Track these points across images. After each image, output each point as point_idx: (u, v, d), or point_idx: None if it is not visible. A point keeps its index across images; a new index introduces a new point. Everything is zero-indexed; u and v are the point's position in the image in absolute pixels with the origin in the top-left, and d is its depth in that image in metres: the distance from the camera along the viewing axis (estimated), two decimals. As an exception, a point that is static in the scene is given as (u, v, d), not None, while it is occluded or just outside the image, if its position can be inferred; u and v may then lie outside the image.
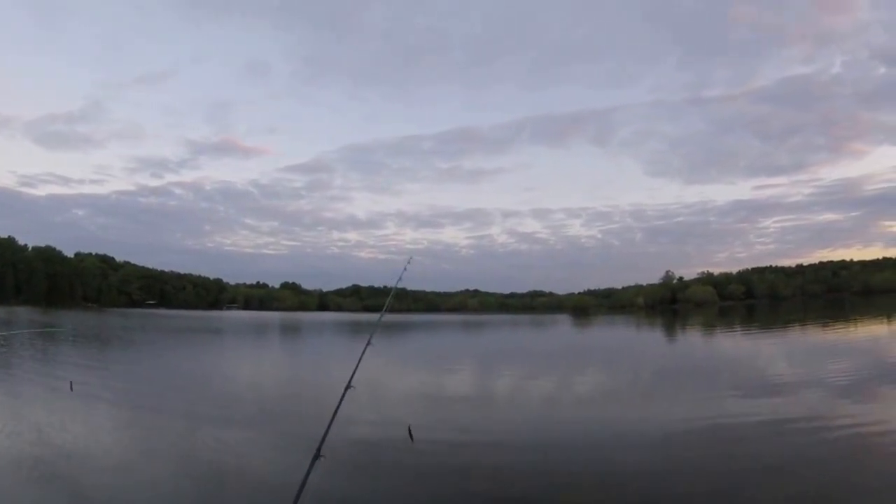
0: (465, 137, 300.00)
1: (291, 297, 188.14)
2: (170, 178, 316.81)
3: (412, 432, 4.50)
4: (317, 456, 3.81)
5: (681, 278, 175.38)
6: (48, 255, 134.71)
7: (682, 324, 62.14)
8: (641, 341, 41.58)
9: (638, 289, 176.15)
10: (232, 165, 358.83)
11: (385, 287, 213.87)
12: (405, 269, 8.60)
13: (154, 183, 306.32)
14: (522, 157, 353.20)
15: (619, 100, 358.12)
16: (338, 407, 4.42)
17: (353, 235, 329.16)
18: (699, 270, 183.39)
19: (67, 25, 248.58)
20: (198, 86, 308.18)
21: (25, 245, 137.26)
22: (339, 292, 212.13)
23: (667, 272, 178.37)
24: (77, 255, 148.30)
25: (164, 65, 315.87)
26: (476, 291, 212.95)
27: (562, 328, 64.29)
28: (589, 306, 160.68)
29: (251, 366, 25.38)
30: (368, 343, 5.78)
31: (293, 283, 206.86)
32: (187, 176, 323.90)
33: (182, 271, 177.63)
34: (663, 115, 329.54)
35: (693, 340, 38.82)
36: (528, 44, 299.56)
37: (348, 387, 4.80)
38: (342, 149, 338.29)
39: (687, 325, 57.82)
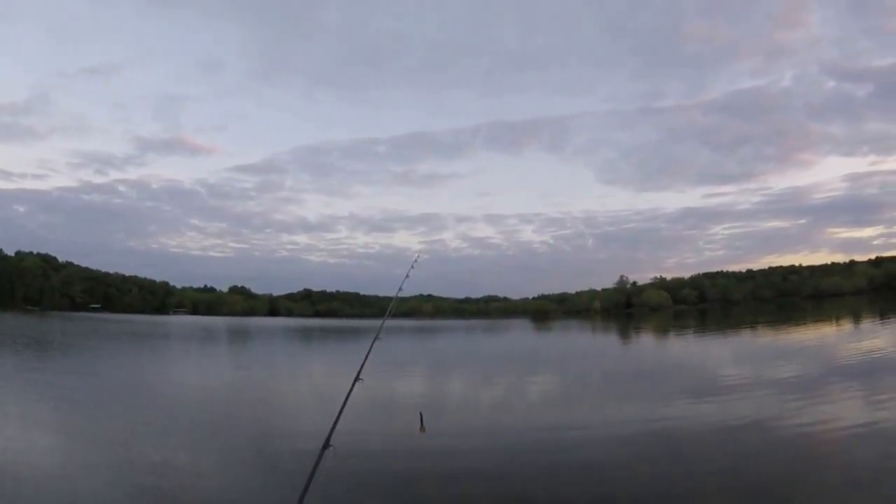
0: (420, 142, 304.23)
1: (241, 302, 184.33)
2: (115, 174, 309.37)
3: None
4: (326, 446, 3.75)
5: (634, 283, 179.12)
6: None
7: (639, 328, 63.19)
8: (603, 345, 41.79)
9: (594, 293, 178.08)
10: (180, 163, 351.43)
11: (338, 291, 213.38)
12: (412, 266, 8.35)
13: (98, 180, 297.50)
14: (477, 163, 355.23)
15: (573, 108, 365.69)
16: (347, 398, 4.38)
17: (303, 238, 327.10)
18: (650, 276, 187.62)
19: (14, 13, 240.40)
20: (148, 80, 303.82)
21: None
22: (290, 297, 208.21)
23: (621, 277, 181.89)
24: (18, 253, 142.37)
25: (114, 57, 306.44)
26: (430, 296, 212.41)
27: (526, 333, 64.63)
28: (549, 311, 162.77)
29: (208, 376, 24.27)
30: (376, 338, 5.96)
31: (242, 287, 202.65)
32: (133, 173, 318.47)
33: (126, 273, 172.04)
34: (617, 124, 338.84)
35: (649, 344, 39.51)
36: (485, 50, 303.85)
37: (357, 379, 4.84)
38: (294, 150, 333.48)
39: (643, 329, 58.72)
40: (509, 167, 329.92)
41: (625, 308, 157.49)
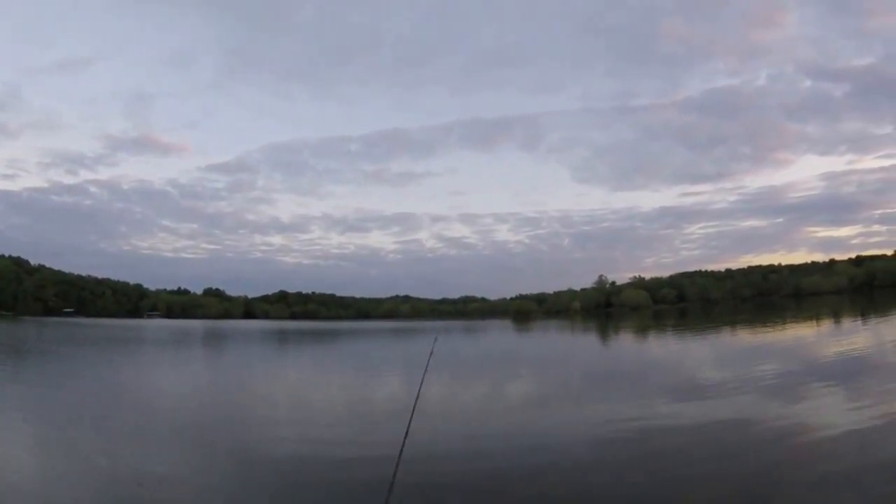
0: (393, 139, 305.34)
1: (216, 305, 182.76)
2: (85, 175, 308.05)
3: None
4: (402, 448, 3.40)
5: (613, 283, 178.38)
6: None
7: (619, 328, 62.09)
8: (584, 345, 41.09)
9: (573, 293, 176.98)
10: (150, 163, 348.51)
11: (314, 293, 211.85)
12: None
13: (69, 180, 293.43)
14: (451, 161, 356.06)
15: (547, 106, 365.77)
16: (408, 429, 4.18)
17: (276, 239, 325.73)
18: (628, 275, 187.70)
19: None
20: (118, 76, 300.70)
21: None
22: (265, 299, 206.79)
23: (600, 276, 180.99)
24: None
25: (85, 52, 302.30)
26: (407, 297, 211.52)
27: (510, 334, 63.48)
28: (529, 311, 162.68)
29: (188, 382, 23.10)
30: (433, 350, 6.39)
31: (217, 290, 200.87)
32: (104, 173, 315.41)
33: (98, 275, 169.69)
34: (591, 123, 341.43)
35: (629, 344, 39.05)
36: (458, 47, 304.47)
37: (421, 386, 5.11)
38: (265, 148, 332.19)
39: (623, 329, 57.71)
40: (483, 165, 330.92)
41: (604, 308, 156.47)
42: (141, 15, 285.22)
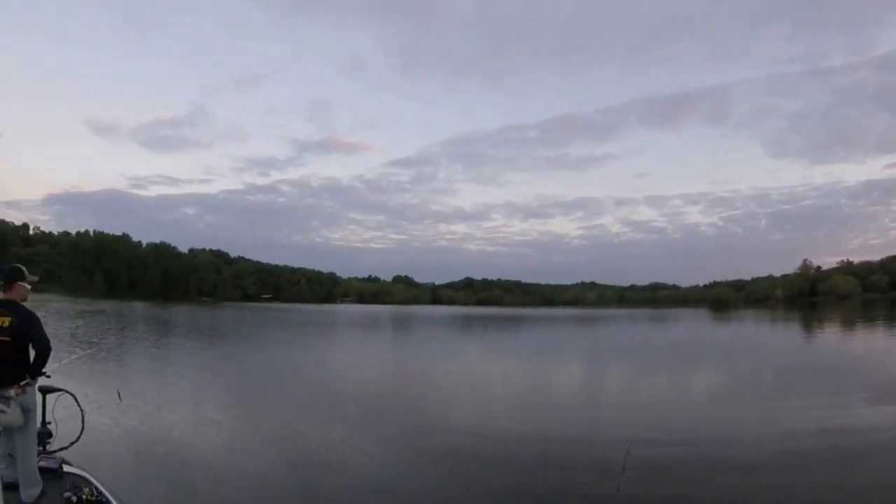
0: (569, 124, 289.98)
1: (404, 291, 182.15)
2: (276, 176, 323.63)
3: None
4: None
5: (819, 268, 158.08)
6: (162, 251, 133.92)
7: (825, 319, 56.10)
8: (797, 340, 35.28)
9: (774, 280, 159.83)
10: (337, 162, 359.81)
11: (499, 279, 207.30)
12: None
13: (261, 181, 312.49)
14: (632, 142, 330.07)
15: (730, 76, 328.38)
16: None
17: (460, 228, 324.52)
18: (832, 259, 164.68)
19: (164, 34, 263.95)
20: (298, 85, 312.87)
21: (139, 242, 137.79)
22: (451, 286, 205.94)
23: (804, 261, 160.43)
24: (191, 250, 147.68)
25: (263, 67, 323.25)
26: (593, 284, 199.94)
27: (707, 324, 57.21)
28: (727, 299, 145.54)
29: (375, 363, 23.25)
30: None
31: (405, 277, 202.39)
32: (293, 173, 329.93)
33: (293, 265, 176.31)
34: (781, 90, 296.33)
35: (834, 338, 34.70)
36: (622, 23, 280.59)
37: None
38: (444, 142, 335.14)
39: (829, 321, 51.49)
40: (668, 144, 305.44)
41: (808, 296, 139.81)
42: (311, 26, 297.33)
